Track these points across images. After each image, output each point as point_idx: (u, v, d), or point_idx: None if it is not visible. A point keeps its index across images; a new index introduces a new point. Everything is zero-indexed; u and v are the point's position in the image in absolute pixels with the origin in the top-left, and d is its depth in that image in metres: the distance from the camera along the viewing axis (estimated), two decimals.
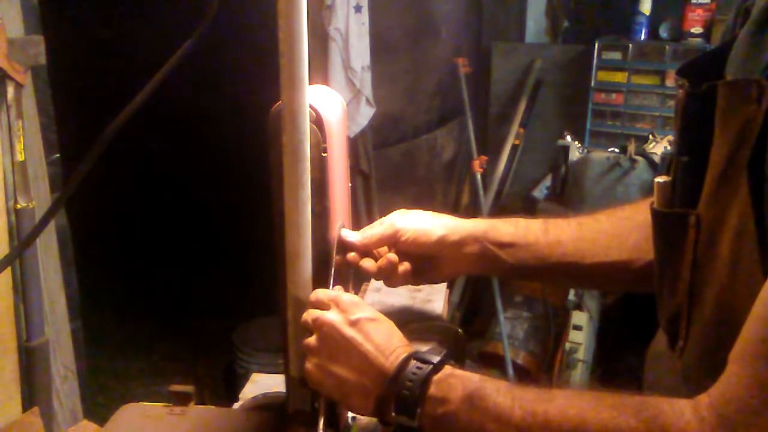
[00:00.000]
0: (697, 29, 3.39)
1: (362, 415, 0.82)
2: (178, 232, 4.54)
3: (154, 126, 3.70)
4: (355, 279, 1.04)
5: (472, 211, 3.93)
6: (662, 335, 0.88)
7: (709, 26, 3.36)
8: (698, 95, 0.75)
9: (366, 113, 2.78)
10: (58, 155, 1.96)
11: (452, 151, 3.80)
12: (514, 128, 3.77)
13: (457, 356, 0.97)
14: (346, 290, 0.91)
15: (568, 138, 3.02)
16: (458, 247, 1.01)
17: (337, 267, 0.90)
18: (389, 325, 0.84)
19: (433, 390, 0.77)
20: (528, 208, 3.63)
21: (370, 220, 2.95)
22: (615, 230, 1.03)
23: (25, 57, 1.76)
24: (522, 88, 3.85)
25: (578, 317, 2.87)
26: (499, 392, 0.75)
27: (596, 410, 0.70)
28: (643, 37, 3.54)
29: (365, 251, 0.98)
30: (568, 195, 2.91)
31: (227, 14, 1.07)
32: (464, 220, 1.04)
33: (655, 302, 0.89)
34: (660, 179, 0.81)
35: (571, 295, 2.95)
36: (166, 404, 1.01)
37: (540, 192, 3.65)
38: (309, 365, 0.83)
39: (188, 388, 1.01)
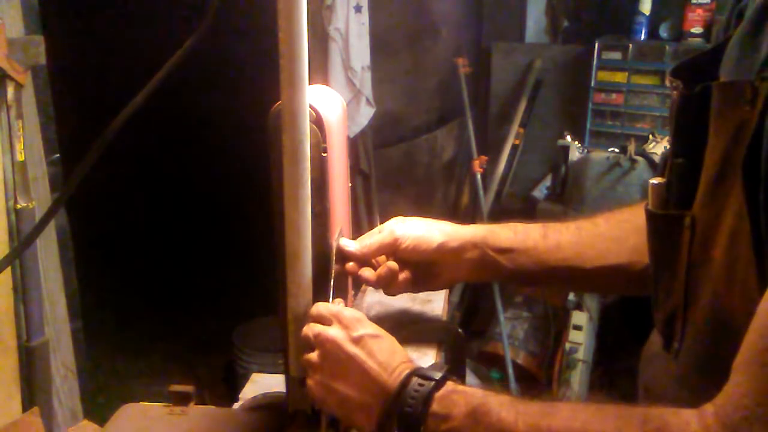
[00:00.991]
0: (697, 29, 3.39)
1: None
2: (178, 232, 4.54)
3: (154, 126, 3.70)
4: (354, 287, 1.04)
5: (471, 211, 3.93)
6: (656, 337, 0.88)
7: (709, 26, 3.36)
8: (692, 97, 0.75)
9: (366, 113, 2.78)
10: (58, 155, 1.96)
11: (452, 151, 3.80)
12: (514, 128, 3.77)
13: (457, 356, 0.97)
14: (345, 301, 0.91)
15: (568, 138, 3.02)
16: (458, 253, 1.00)
17: (336, 276, 0.90)
18: (391, 342, 0.83)
19: (435, 407, 0.76)
20: (528, 208, 3.63)
21: (370, 219, 2.97)
22: (613, 234, 1.03)
23: (25, 57, 1.76)
24: (522, 88, 3.85)
25: (578, 317, 2.88)
26: (503, 407, 0.74)
27: (601, 423, 0.70)
28: (643, 37, 3.54)
29: (364, 260, 0.97)
30: (568, 195, 2.91)
31: (228, 14, 1.07)
32: (463, 226, 1.04)
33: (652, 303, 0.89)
34: (654, 181, 0.81)
35: (571, 296, 2.95)
36: (166, 404, 1.01)
37: (540, 192, 3.65)
38: (311, 382, 0.82)
39: (188, 388, 1.01)
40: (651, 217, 0.83)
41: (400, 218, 1.02)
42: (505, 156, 3.73)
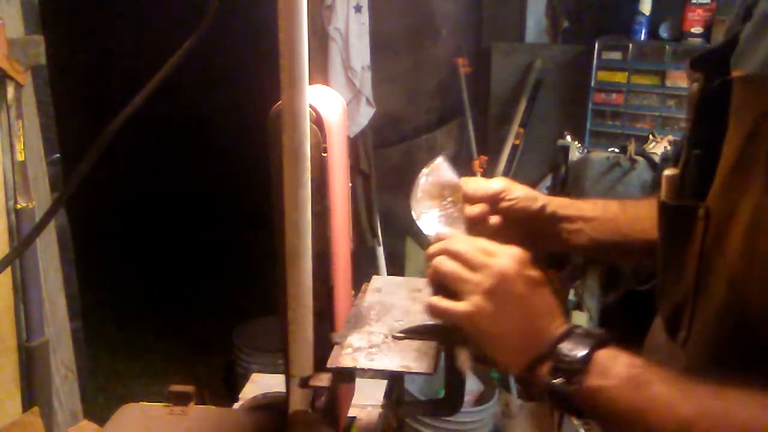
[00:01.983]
0: (697, 29, 3.39)
1: (507, 371, 0.80)
2: (178, 232, 4.54)
3: (154, 126, 3.70)
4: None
5: None
6: (659, 328, 0.88)
7: (709, 26, 3.36)
8: (712, 89, 0.76)
9: (366, 113, 2.78)
10: (58, 155, 1.96)
11: (452, 151, 3.80)
12: (514, 128, 3.77)
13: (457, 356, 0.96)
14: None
15: (568, 138, 3.02)
16: (553, 218, 1.04)
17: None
18: (551, 292, 0.82)
19: (595, 363, 0.73)
20: None
21: (370, 220, 2.97)
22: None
23: (25, 57, 1.76)
24: (522, 88, 3.85)
25: (578, 317, 2.87)
26: (667, 382, 0.70)
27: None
28: (643, 37, 3.54)
29: (469, 198, 1.00)
30: (568, 195, 2.90)
31: (227, 14, 1.07)
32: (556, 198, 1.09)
33: (654, 299, 0.89)
34: (668, 172, 0.82)
35: (571, 295, 2.95)
36: (166, 404, 1.01)
37: (540, 192, 3.65)
38: (468, 305, 0.78)
39: (188, 388, 1.01)
40: (664, 207, 0.83)
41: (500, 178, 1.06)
42: (505, 156, 3.73)
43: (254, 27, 2.44)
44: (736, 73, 0.76)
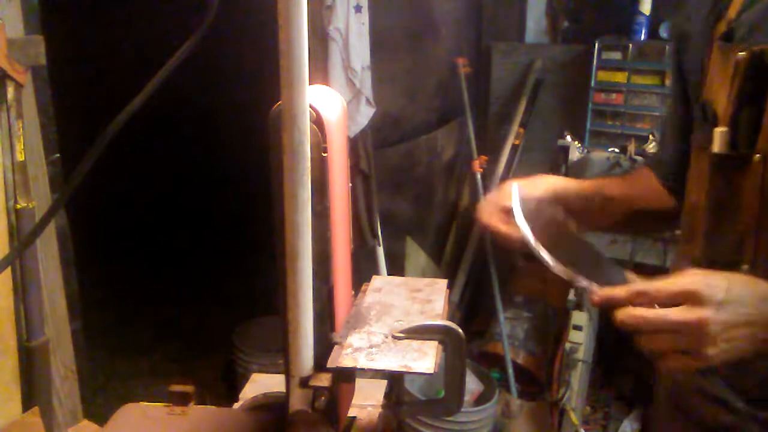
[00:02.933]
0: None
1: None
2: (178, 232, 4.54)
3: (155, 126, 3.71)
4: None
5: (471, 211, 3.93)
6: None
7: None
8: (758, 54, 0.94)
9: (366, 113, 2.78)
10: (58, 155, 1.96)
11: (452, 151, 3.80)
12: (514, 128, 3.77)
13: (457, 356, 0.96)
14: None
15: (568, 138, 3.02)
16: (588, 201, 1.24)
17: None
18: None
19: None
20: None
21: (371, 220, 2.97)
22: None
23: (25, 57, 1.76)
24: (522, 88, 3.85)
25: (578, 317, 2.87)
26: None
27: None
28: (643, 37, 3.54)
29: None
30: None
31: (228, 14, 1.07)
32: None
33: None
34: (720, 129, 0.98)
35: (571, 295, 2.95)
36: (166, 404, 1.01)
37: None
38: (714, 352, 0.84)
39: (188, 388, 1.01)
40: (719, 158, 0.98)
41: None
42: (505, 156, 3.73)
43: (255, 27, 2.44)
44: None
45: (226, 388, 3.25)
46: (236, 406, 1.07)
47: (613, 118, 3.64)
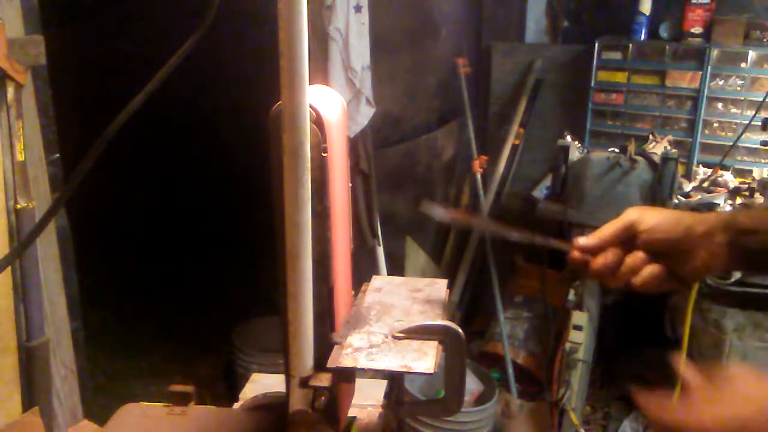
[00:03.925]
0: (697, 29, 3.39)
1: None
2: (178, 232, 4.54)
3: (155, 126, 3.70)
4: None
5: (471, 211, 3.93)
6: None
7: (709, 26, 3.36)
8: None
9: (366, 113, 2.78)
10: (58, 155, 1.96)
11: (452, 151, 3.80)
12: (514, 128, 3.77)
13: (457, 356, 0.97)
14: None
15: (568, 138, 3.02)
16: (708, 237, 0.95)
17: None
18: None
19: None
20: (528, 208, 3.63)
21: (370, 220, 2.97)
22: None
23: (25, 57, 1.76)
24: (522, 88, 3.85)
25: (578, 317, 2.87)
26: None
27: None
28: (643, 37, 3.54)
29: (598, 251, 0.95)
30: (568, 195, 2.90)
31: (227, 14, 1.07)
32: (703, 213, 1.01)
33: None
34: None
35: (571, 295, 2.95)
36: (166, 404, 1.01)
37: (540, 192, 3.65)
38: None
39: (188, 388, 1.01)
40: None
41: (634, 208, 0.99)
42: (505, 156, 3.73)
43: (254, 27, 2.44)
44: None
45: (226, 388, 3.25)
46: (236, 406, 1.07)
47: (613, 118, 3.64)
